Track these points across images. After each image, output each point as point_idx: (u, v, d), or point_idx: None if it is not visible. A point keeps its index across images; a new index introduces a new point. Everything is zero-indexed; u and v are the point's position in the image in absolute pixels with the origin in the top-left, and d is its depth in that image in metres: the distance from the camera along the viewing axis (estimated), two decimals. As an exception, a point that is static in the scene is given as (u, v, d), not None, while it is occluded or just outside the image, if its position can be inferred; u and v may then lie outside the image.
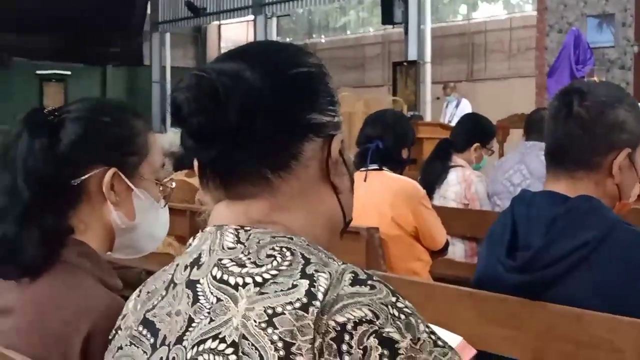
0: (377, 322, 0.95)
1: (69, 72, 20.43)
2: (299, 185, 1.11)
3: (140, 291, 1.18)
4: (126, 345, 1.13)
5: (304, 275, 1.00)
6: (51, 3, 18.33)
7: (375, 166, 3.45)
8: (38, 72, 20.07)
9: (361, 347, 0.94)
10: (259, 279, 1.01)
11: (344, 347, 0.94)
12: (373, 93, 14.81)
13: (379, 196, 3.35)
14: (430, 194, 4.18)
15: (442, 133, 7.67)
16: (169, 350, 1.05)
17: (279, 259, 1.03)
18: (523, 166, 4.25)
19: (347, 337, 0.94)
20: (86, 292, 1.44)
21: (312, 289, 0.98)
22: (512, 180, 4.21)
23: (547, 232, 1.74)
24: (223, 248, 1.07)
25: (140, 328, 1.11)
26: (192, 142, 1.09)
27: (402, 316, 0.97)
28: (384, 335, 0.95)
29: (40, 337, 1.40)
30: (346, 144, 1.18)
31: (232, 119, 1.05)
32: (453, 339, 1.37)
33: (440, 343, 0.99)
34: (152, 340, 1.09)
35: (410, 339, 0.96)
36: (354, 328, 0.95)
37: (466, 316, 1.89)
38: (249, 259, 1.04)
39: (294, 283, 0.99)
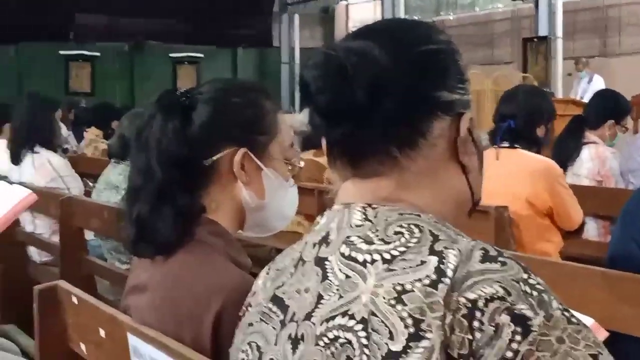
0: (509, 299, 0.93)
1: (201, 55, 20.90)
2: (427, 163, 1.09)
3: (269, 268, 1.20)
4: (256, 321, 1.14)
5: (432, 252, 0.99)
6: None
7: (506, 144, 3.38)
8: (172, 55, 20.63)
9: (493, 324, 0.92)
10: (387, 256, 1.01)
11: (475, 323, 0.93)
12: (502, 70, 14.51)
13: (513, 175, 3.28)
14: (563, 171, 4.07)
15: (575, 110, 7.45)
16: (298, 326, 1.06)
17: (407, 236, 1.03)
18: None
19: (478, 314, 0.93)
20: (218, 270, 1.47)
21: (441, 265, 0.97)
22: (646, 158, 4.05)
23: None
24: (351, 226, 1.07)
25: (270, 305, 1.13)
26: (320, 119, 1.10)
27: (534, 293, 0.95)
28: (516, 312, 0.93)
29: (173, 314, 1.44)
30: (475, 122, 1.16)
31: (360, 97, 1.05)
32: (584, 322, 1.34)
33: (574, 320, 0.96)
34: (281, 317, 1.10)
35: (544, 316, 0.94)
36: (485, 305, 0.93)
37: (598, 296, 1.83)
38: (377, 236, 1.04)
39: (423, 260, 0.99)
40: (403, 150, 1.08)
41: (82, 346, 1.64)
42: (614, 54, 16.56)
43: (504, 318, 0.93)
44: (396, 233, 1.03)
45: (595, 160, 4.13)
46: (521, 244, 3.21)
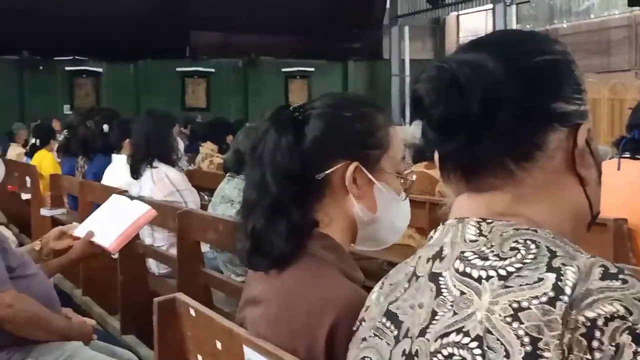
0: (631, 319, 0.90)
1: (312, 69, 21.13)
2: (543, 176, 1.07)
3: (382, 283, 1.20)
4: (370, 336, 1.14)
5: (550, 268, 0.97)
6: (293, 3, 19.05)
7: (628, 155, 3.27)
8: (284, 69, 20.93)
9: (613, 344, 0.90)
10: (502, 272, 1.00)
11: (595, 343, 0.90)
12: (619, 78, 14.12)
13: (632, 186, 3.17)
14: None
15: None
16: (412, 342, 1.05)
17: (523, 252, 1.01)
18: None
19: (597, 334, 0.90)
20: (331, 284, 1.47)
21: (559, 282, 0.95)
22: None
23: None
24: (465, 241, 1.06)
25: (384, 320, 1.12)
26: (434, 133, 1.09)
27: None
28: (637, 331, 0.90)
29: (287, 328, 1.45)
30: (593, 134, 1.14)
31: (474, 110, 1.04)
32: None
33: None
34: (395, 332, 1.09)
35: None
36: (605, 324, 0.90)
37: None
38: (492, 251, 1.03)
39: (540, 277, 0.97)
40: (519, 163, 1.06)
41: (199, 358, 1.68)
42: None
43: (625, 338, 0.90)
44: (512, 249, 1.02)
45: None
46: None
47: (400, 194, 1.62)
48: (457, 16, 22.30)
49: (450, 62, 1.08)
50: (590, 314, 0.91)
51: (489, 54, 1.09)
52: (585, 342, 0.91)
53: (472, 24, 21.40)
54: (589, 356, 0.90)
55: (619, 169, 3.20)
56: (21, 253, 2.82)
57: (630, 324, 0.90)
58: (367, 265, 3.80)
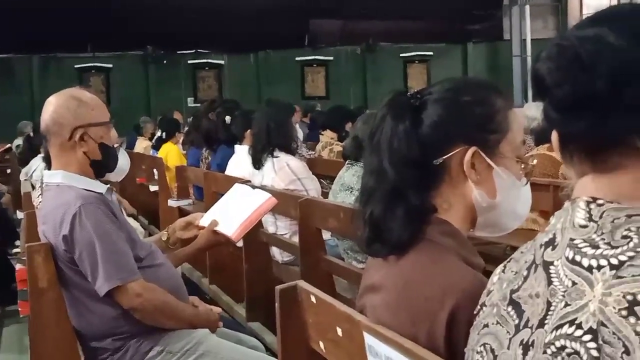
0: None
1: (430, 53, 20.94)
2: None
3: (505, 267, 1.18)
4: (492, 323, 1.13)
5: None
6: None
7: None
8: (402, 54, 20.82)
9: None
10: (614, 261, 0.96)
11: None
12: None
13: None
14: None
15: None
16: (532, 333, 1.03)
17: (635, 240, 0.97)
18: None
19: None
20: (450, 269, 1.46)
21: None
22: None
23: None
24: (574, 226, 1.03)
25: (509, 308, 1.11)
26: (557, 113, 1.05)
27: None
28: None
29: (407, 314, 1.45)
30: None
31: (600, 87, 0.99)
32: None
33: None
34: (516, 321, 1.08)
35: None
36: None
37: None
38: (603, 239, 0.99)
39: None
40: None
41: (321, 344, 1.69)
42: None
43: None
44: (624, 237, 0.98)
45: None
46: None
47: (520, 178, 1.59)
48: (581, -6, 21.63)
49: (571, 38, 1.04)
50: None
51: (609, 28, 1.03)
52: None
53: (595, 1, 20.71)
54: None
55: None
56: (149, 243, 2.91)
57: None
58: (489, 250, 3.75)
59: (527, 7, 21.17)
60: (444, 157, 1.53)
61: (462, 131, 1.54)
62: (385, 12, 19.42)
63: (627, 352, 0.90)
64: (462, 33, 20.91)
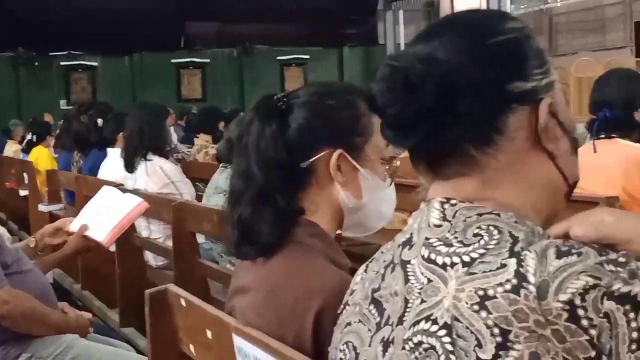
0: (602, 283, 0.90)
1: (307, 56, 21.11)
2: (507, 158, 1.06)
3: (367, 267, 1.20)
4: (354, 322, 1.15)
5: (512, 253, 0.97)
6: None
7: (603, 135, 3.28)
8: (279, 57, 20.90)
9: (601, 315, 0.89)
10: (466, 259, 0.99)
11: (584, 322, 0.89)
12: (614, 56, 14.12)
13: (610, 167, 3.18)
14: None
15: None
16: (392, 330, 1.06)
17: (486, 238, 1.00)
18: None
19: (581, 312, 0.89)
20: (317, 270, 1.49)
21: (520, 269, 0.94)
22: None
23: None
24: (430, 226, 1.06)
25: (371, 307, 1.13)
26: (390, 131, 1.09)
27: (620, 268, 0.91)
28: (615, 293, 0.89)
29: (275, 315, 1.46)
30: (559, 105, 1.11)
31: (428, 105, 1.03)
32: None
33: None
34: (378, 319, 1.10)
35: None
36: (583, 299, 0.89)
37: None
38: (456, 237, 1.03)
39: (503, 262, 0.96)
40: (480, 148, 1.06)
41: (191, 347, 1.69)
42: None
43: (608, 304, 0.89)
44: (475, 235, 1.02)
45: None
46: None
47: (385, 179, 1.63)
48: (452, -1, 22.24)
49: (402, 59, 1.07)
50: (564, 297, 0.90)
51: (442, 42, 1.08)
52: (574, 326, 0.89)
53: (466, 6, 21.31)
54: (585, 337, 0.89)
55: (595, 151, 3.21)
56: (15, 250, 2.83)
57: (604, 289, 0.90)
58: (362, 251, 3.80)
59: (401, 12, 21.62)
60: (310, 160, 1.55)
61: (328, 134, 1.57)
62: (262, 15, 19.48)
63: (479, 345, 0.93)
64: (338, 37, 21.18)
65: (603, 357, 0.88)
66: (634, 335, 0.88)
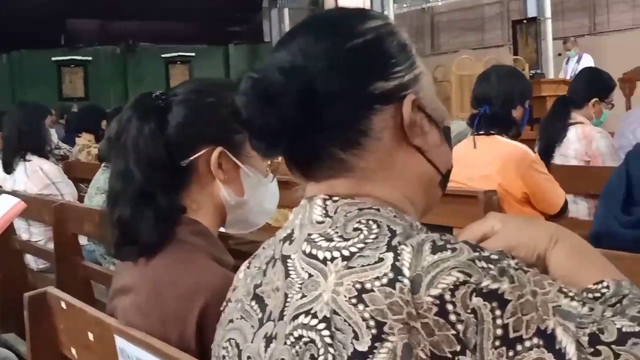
0: (472, 280, 0.92)
1: (193, 54, 20.90)
2: (376, 158, 1.08)
3: (249, 263, 1.20)
4: (237, 318, 1.15)
5: (389, 248, 0.99)
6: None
7: (483, 131, 3.39)
8: (163, 55, 20.63)
9: (469, 311, 0.91)
10: (346, 253, 1.01)
11: (452, 317, 0.91)
12: (493, 54, 14.53)
13: (488, 162, 3.29)
14: (550, 153, 4.07)
15: (566, 90, 7.46)
16: (275, 325, 1.06)
17: (365, 232, 1.02)
18: (644, 120, 4.09)
19: (450, 307, 0.91)
20: (200, 269, 1.48)
21: (396, 263, 0.96)
22: (636, 134, 4.06)
23: (664, 186, 1.69)
24: (312, 222, 1.07)
25: (252, 303, 1.13)
26: (257, 141, 1.09)
27: (491, 265, 0.94)
28: (484, 290, 0.92)
29: (158, 315, 1.45)
30: (425, 99, 1.13)
31: (290, 115, 1.04)
32: None
33: (525, 268, 0.96)
34: (260, 315, 1.10)
35: (509, 281, 0.92)
36: (453, 295, 0.91)
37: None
38: (337, 232, 1.04)
39: (380, 256, 0.98)
40: (348, 151, 1.07)
41: (73, 350, 1.66)
42: (603, 32, 16.55)
43: (476, 300, 0.91)
44: (355, 229, 1.03)
45: (582, 141, 4.13)
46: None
47: (267, 175, 1.64)
48: (336, -3, 22.42)
49: (262, 71, 1.07)
50: (435, 292, 0.92)
51: (302, 48, 1.09)
52: (442, 320, 0.91)
53: (350, 4, 21.53)
54: (452, 331, 0.91)
55: (475, 147, 3.31)
56: None
57: (474, 285, 0.92)
58: (251, 249, 3.79)
59: (286, 10, 21.64)
60: (190, 158, 1.55)
61: (208, 132, 1.57)
62: (145, 13, 19.16)
63: (356, 337, 0.94)
64: (224, 34, 21.03)
65: (467, 352, 0.91)
66: (499, 332, 0.91)
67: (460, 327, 0.91)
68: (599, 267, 1.08)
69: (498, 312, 0.91)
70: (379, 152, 1.09)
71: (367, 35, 1.10)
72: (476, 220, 1.16)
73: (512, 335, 0.90)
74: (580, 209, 4.03)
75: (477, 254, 0.96)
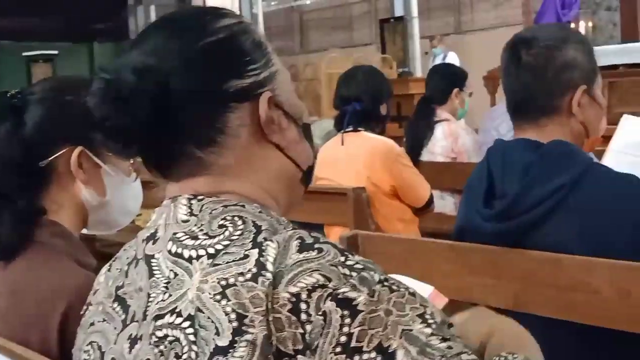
0: (331, 285, 0.94)
1: (56, 52, 20.34)
2: (235, 154, 1.09)
3: (110, 265, 1.18)
4: (98, 321, 1.13)
5: (254, 244, 0.99)
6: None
7: (351, 128, 3.44)
8: (25, 53, 19.99)
9: (320, 313, 0.92)
10: (211, 251, 1.01)
11: (303, 316, 0.93)
12: (362, 52, 14.76)
13: (355, 158, 3.35)
14: (418, 151, 4.17)
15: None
16: (139, 326, 1.05)
17: (230, 229, 1.02)
18: (508, 116, 4.22)
19: (303, 306, 0.93)
20: (61, 271, 1.45)
21: (261, 258, 0.97)
22: (499, 130, 4.19)
23: (522, 179, 1.74)
24: (177, 221, 1.06)
25: (115, 304, 1.11)
26: (111, 142, 1.08)
27: (354, 273, 0.96)
28: (339, 296, 0.93)
29: (18, 319, 1.41)
30: (283, 95, 1.14)
31: (143, 115, 1.03)
32: (424, 289, 1.38)
33: (394, 287, 0.97)
34: (123, 317, 1.09)
35: (367, 293, 0.94)
36: (309, 296, 0.93)
37: (447, 268, 1.89)
38: (202, 230, 1.03)
39: (246, 253, 0.98)
40: (205, 149, 1.08)
41: None
42: (468, 31, 17.06)
43: (329, 305, 0.93)
44: (220, 226, 1.03)
45: (448, 138, 4.23)
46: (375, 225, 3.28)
47: (130, 175, 1.61)
48: (203, -5, 22.28)
49: (114, 71, 1.06)
50: (293, 289, 0.94)
51: (155, 47, 1.08)
52: (294, 318, 0.93)
53: (217, 2, 21.44)
54: (301, 330, 0.93)
55: (342, 144, 3.37)
56: None
57: (331, 290, 0.93)
58: (118, 251, 3.73)
59: (152, 7, 21.34)
60: (49, 159, 1.50)
61: (66, 131, 1.53)
62: (5, 9, 18.51)
63: (217, 333, 0.95)
64: (88, 32, 20.58)
65: (307, 352, 0.92)
66: (342, 339, 0.92)
67: (308, 327, 0.93)
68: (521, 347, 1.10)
69: (347, 320, 0.93)
70: (237, 149, 1.09)
71: (221, 34, 1.10)
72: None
73: (353, 344, 0.92)
74: (447, 204, 4.14)
75: (342, 258, 0.97)
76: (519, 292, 1.77)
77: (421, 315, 0.96)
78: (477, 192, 1.84)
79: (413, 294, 0.98)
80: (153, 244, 1.08)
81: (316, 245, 0.98)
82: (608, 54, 7.32)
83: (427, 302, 0.99)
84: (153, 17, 20.99)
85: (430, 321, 0.96)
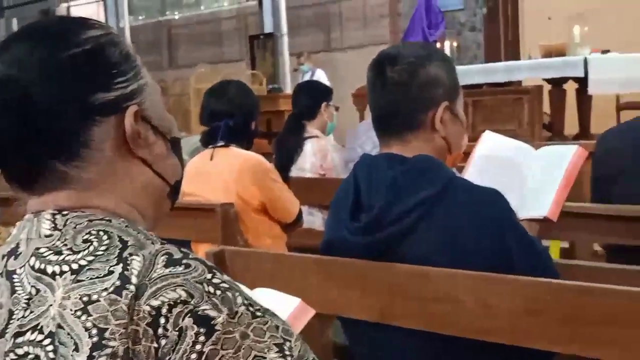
0: (192, 301, 0.93)
1: None
2: (100, 169, 1.06)
3: None
4: None
5: (119, 260, 0.97)
6: None
7: (222, 143, 3.42)
8: None
9: (177, 329, 0.92)
10: (75, 266, 0.98)
11: (160, 331, 0.92)
12: (232, 68, 14.74)
13: (225, 173, 3.33)
14: (287, 167, 4.18)
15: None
16: None
17: (95, 244, 1.00)
18: (373, 133, 4.29)
19: (162, 321, 0.93)
20: None
21: (125, 272, 0.96)
22: (364, 147, 4.26)
23: (388, 193, 1.76)
24: (40, 236, 1.03)
25: None
26: None
27: (218, 292, 0.96)
28: (199, 313, 0.93)
29: None
30: (150, 107, 1.11)
31: (4, 127, 1.01)
32: (291, 302, 1.38)
33: (259, 313, 0.97)
34: None
35: (227, 314, 0.94)
36: (169, 311, 0.93)
37: (315, 282, 1.90)
38: (66, 245, 1.01)
39: (110, 269, 0.97)
40: (68, 163, 1.04)
41: None
42: (337, 49, 17.29)
43: (187, 321, 0.93)
44: (85, 241, 1.01)
45: (317, 155, 4.28)
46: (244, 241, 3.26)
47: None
48: (68, 7, 21.72)
49: None
50: (155, 303, 0.93)
51: (19, 58, 1.04)
52: (151, 331, 0.92)
53: (82, 15, 20.99)
54: (155, 344, 0.92)
55: (212, 159, 3.35)
56: None
57: (192, 307, 0.93)
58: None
59: (14, 20, 20.74)
60: None
61: None
62: None
63: (76, 349, 0.93)
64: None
65: None
66: (193, 356, 0.92)
67: (163, 341, 0.93)
68: None
69: (202, 338, 0.93)
70: (102, 163, 1.06)
71: (87, 45, 1.06)
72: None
73: None
74: (316, 220, 4.17)
75: (209, 276, 0.97)
76: (385, 305, 1.79)
77: (279, 345, 0.96)
78: (344, 206, 1.86)
79: (276, 326, 0.98)
80: (14, 259, 1.04)
81: (184, 261, 0.98)
82: (472, 73, 7.58)
83: (291, 337, 0.99)
84: (15, 29, 20.38)
85: (287, 353, 0.96)
